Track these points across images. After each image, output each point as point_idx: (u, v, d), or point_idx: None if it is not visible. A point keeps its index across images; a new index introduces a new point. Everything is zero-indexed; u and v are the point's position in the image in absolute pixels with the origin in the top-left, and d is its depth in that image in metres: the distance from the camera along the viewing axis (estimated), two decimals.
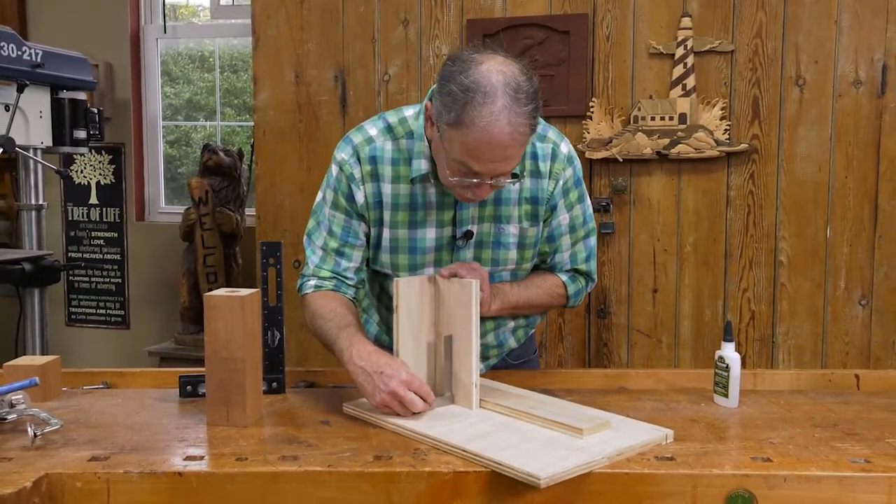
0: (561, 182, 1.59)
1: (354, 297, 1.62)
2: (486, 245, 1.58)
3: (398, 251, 1.58)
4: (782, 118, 2.75)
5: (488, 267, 1.59)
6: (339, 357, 1.45)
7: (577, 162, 1.63)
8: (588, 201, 1.67)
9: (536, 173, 1.57)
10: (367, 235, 1.60)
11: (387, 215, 1.56)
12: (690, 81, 2.76)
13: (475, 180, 1.39)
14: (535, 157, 1.57)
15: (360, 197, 1.56)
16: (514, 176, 1.50)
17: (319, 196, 1.63)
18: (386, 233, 1.57)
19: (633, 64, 2.82)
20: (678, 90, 2.77)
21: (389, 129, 1.57)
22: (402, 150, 1.54)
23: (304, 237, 1.64)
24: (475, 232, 1.57)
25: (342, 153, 1.57)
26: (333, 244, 1.59)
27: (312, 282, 1.59)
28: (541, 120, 1.60)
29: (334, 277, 1.59)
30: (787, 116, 2.75)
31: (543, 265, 1.68)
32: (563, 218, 1.62)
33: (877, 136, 2.71)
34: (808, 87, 2.73)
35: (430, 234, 1.57)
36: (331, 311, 1.52)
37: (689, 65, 2.75)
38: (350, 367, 1.40)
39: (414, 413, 1.33)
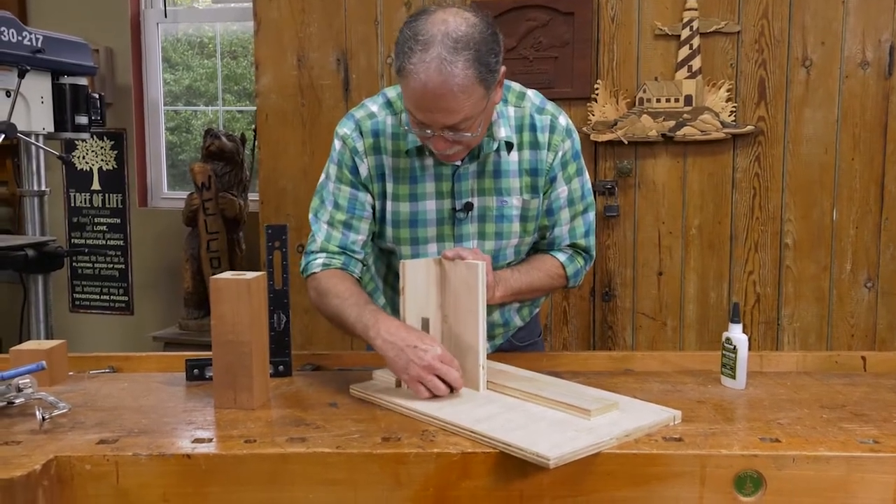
0: (560, 154, 1.59)
1: (360, 278, 1.62)
2: (489, 218, 1.59)
3: (400, 224, 1.59)
4: (788, 100, 2.73)
5: (492, 241, 1.59)
6: (363, 334, 1.43)
7: (576, 136, 1.63)
8: (587, 176, 1.67)
9: (535, 144, 1.57)
10: (373, 208, 1.60)
11: (389, 188, 1.57)
12: (696, 63, 2.74)
13: (428, 132, 1.41)
14: (533, 128, 1.57)
15: (363, 169, 1.57)
16: (500, 140, 1.52)
17: (323, 176, 1.64)
18: (389, 206, 1.58)
19: (639, 45, 2.80)
20: (684, 72, 2.75)
21: (389, 103, 1.58)
22: (402, 124, 1.55)
23: (310, 216, 1.64)
24: (476, 205, 1.57)
25: (344, 128, 1.59)
26: (340, 217, 1.59)
27: (320, 259, 1.59)
28: (538, 93, 1.61)
29: (343, 252, 1.59)
30: (793, 98, 2.73)
31: (542, 241, 1.68)
32: (561, 191, 1.62)
33: (884, 118, 2.70)
34: (815, 68, 2.71)
35: (430, 206, 1.57)
36: (346, 290, 1.51)
37: (694, 46, 2.73)
38: (378, 343, 1.38)
39: (451, 390, 1.32)
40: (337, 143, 1.59)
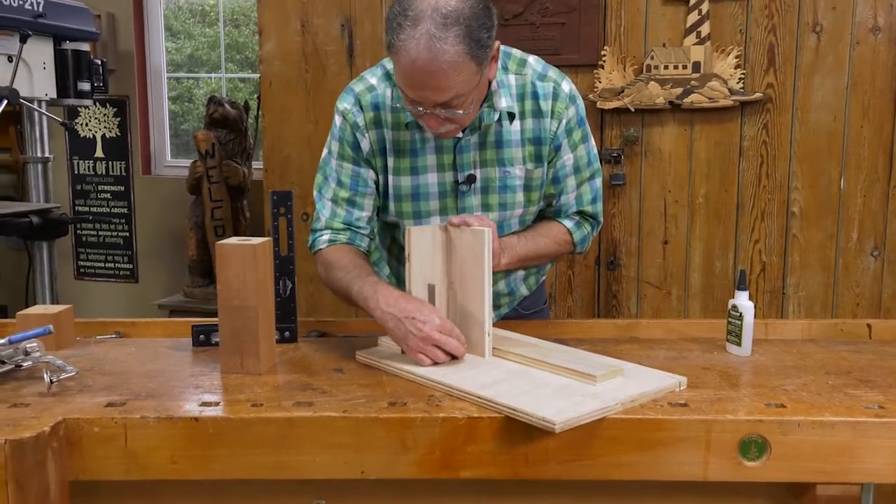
0: (564, 121, 1.56)
1: (367, 250, 1.61)
2: (492, 190, 1.57)
3: (402, 198, 1.57)
4: (798, 66, 2.70)
5: (496, 212, 1.58)
6: (363, 305, 1.43)
7: (580, 101, 1.60)
8: (592, 142, 1.64)
9: (538, 113, 1.54)
10: (377, 183, 1.59)
11: (391, 161, 1.55)
12: (705, 29, 2.70)
13: (420, 109, 1.39)
14: (535, 96, 1.54)
15: (365, 144, 1.55)
16: (492, 111, 1.50)
17: (325, 151, 1.62)
18: (391, 180, 1.57)
19: (647, 11, 2.76)
20: (692, 38, 2.71)
21: (388, 75, 1.55)
22: (395, 100, 1.53)
23: (314, 192, 1.63)
24: (479, 177, 1.56)
25: (344, 103, 1.56)
26: (344, 194, 1.58)
27: (326, 236, 1.58)
28: (539, 59, 1.58)
29: (348, 228, 1.58)
30: (802, 64, 2.70)
31: (549, 209, 1.66)
32: (567, 158, 1.59)
33: (894, 85, 2.67)
34: (825, 33, 2.67)
35: (431, 180, 1.56)
36: (349, 263, 1.51)
37: (703, 11, 2.69)
38: (377, 314, 1.38)
39: (452, 357, 1.32)
40: (337, 119, 1.57)
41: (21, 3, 2.62)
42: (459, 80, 1.33)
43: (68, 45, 2.87)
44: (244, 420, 1.13)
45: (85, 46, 2.94)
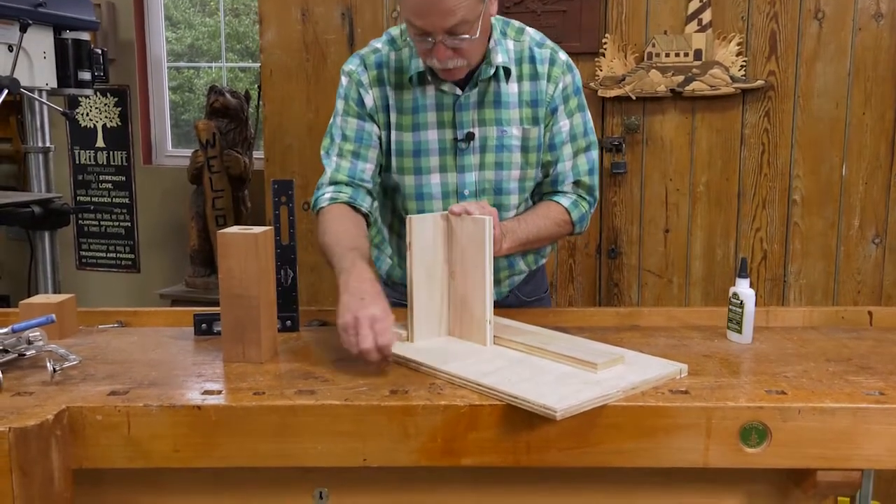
0: (560, 86, 1.61)
1: (369, 212, 1.63)
2: (489, 149, 1.61)
3: (403, 154, 1.62)
4: (800, 53, 2.69)
5: (493, 171, 1.62)
6: (337, 275, 1.41)
7: (577, 72, 1.66)
8: (589, 115, 1.69)
9: (535, 76, 1.60)
10: (380, 139, 1.64)
11: (393, 118, 1.62)
12: (706, 16, 2.69)
13: (429, 39, 1.43)
14: (532, 60, 1.60)
15: (369, 101, 1.62)
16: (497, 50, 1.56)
17: (331, 119, 1.68)
18: (393, 136, 1.62)
19: None
20: (693, 25, 2.70)
21: (392, 40, 1.64)
22: (405, 59, 1.60)
23: (321, 154, 1.67)
24: (477, 135, 1.60)
25: (350, 65, 1.65)
26: (349, 147, 1.63)
27: (329, 194, 1.61)
28: (538, 31, 1.66)
29: (350, 184, 1.61)
30: (804, 51, 2.69)
31: (546, 179, 1.68)
32: (563, 124, 1.63)
33: None
34: (828, 20, 2.66)
35: (431, 136, 1.61)
36: (343, 231, 1.53)
37: None
38: (341, 289, 1.36)
39: (360, 350, 1.25)
40: (343, 79, 1.65)
41: None
42: (464, 3, 1.39)
43: (68, 35, 2.86)
44: (246, 408, 1.13)
45: (85, 36, 2.93)
